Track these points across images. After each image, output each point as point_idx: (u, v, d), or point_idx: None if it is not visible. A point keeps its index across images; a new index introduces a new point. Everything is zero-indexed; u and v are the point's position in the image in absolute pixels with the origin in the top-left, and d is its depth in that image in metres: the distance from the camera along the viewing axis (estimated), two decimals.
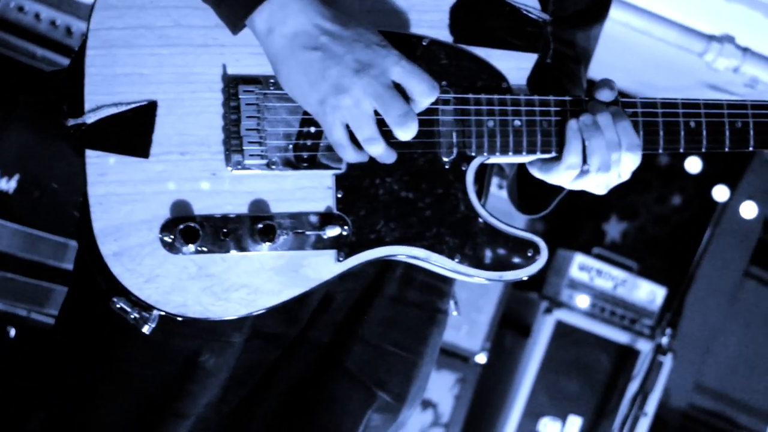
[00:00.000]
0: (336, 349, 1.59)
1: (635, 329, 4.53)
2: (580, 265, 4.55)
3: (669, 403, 5.99)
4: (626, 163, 1.50)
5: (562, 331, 4.40)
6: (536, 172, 1.56)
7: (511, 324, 4.54)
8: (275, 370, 1.60)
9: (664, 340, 4.37)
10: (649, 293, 4.62)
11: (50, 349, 1.63)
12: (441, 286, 1.64)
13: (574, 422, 4.42)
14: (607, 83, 1.51)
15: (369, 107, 1.36)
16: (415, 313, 1.63)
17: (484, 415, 4.40)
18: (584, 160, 1.49)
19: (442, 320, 1.68)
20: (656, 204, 5.98)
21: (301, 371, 1.60)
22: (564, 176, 1.52)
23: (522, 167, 1.67)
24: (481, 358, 4.16)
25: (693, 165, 5.24)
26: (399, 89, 1.38)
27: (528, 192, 1.67)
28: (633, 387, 4.38)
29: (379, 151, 1.39)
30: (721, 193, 5.01)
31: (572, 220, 5.81)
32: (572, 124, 1.48)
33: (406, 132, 1.38)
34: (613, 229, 5.94)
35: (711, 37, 3.60)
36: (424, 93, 1.38)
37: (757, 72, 3.65)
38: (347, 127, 1.37)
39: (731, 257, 6.11)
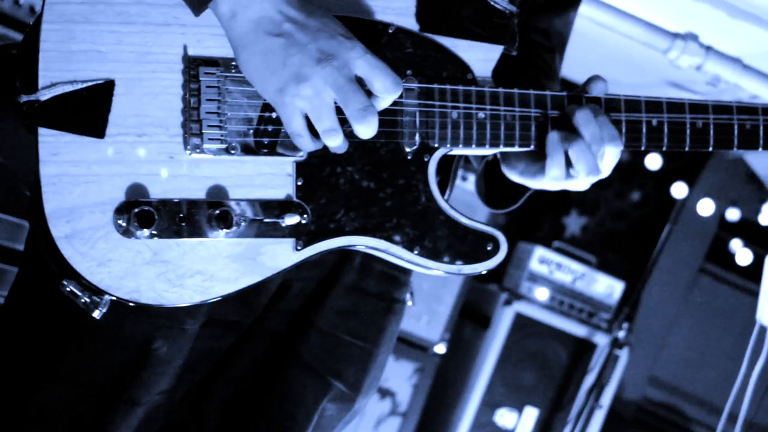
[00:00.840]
0: (292, 337, 1.57)
1: (593, 323, 4.56)
2: (540, 258, 4.57)
3: (623, 395, 6.04)
4: (608, 156, 1.48)
5: (521, 323, 4.41)
6: (516, 178, 1.55)
7: (470, 315, 4.55)
8: (230, 358, 1.57)
9: (621, 334, 4.41)
10: (607, 287, 4.65)
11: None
12: (399, 276, 1.62)
13: (531, 413, 4.44)
14: (596, 80, 1.51)
15: (329, 98, 1.32)
16: (373, 302, 1.61)
17: (442, 404, 4.41)
18: (568, 165, 1.47)
19: (399, 310, 1.67)
20: (616, 199, 6.03)
21: (256, 359, 1.57)
22: (550, 185, 1.52)
23: (491, 162, 1.65)
24: (440, 349, 4.17)
25: (653, 162, 5.28)
26: (362, 84, 1.34)
27: (496, 187, 1.65)
28: (589, 380, 4.41)
29: (338, 142, 1.36)
30: (679, 190, 5.05)
31: (533, 214, 5.84)
32: (552, 137, 1.46)
33: (365, 127, 1.34)
34: (573, 223, 5.98)
35: (675, 35, 3.62)
36: (388, 89, 1.34)
37: (719, 70, 3.68)
38: (306, 117, 1.34)
39: (687, 253, 6.19)
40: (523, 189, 1.62)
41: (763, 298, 3.72)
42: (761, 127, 1.55)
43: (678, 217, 5.00)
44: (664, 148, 1.53)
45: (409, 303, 1.71)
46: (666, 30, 3.62)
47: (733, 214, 5.67)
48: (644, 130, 1.51)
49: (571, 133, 1.46)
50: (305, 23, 1.32)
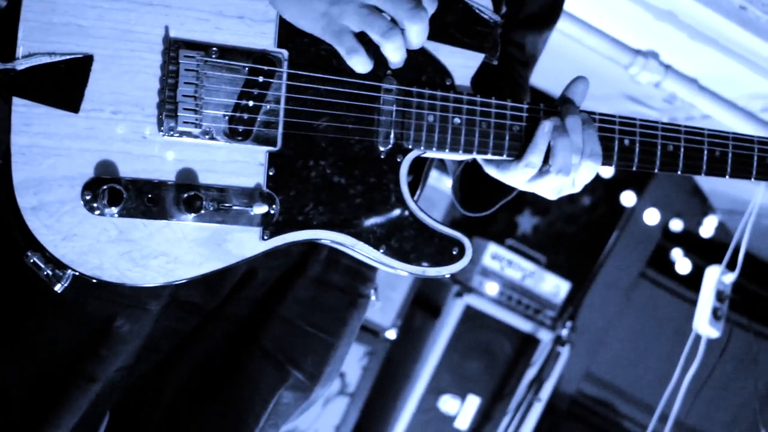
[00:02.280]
0: (254, 324, 1.53)
1: (538, 319, 4.58)
2: (493, 255, 4.59)
3: (560, 388, 6.09)
4: (584, 171, 1.46)
5: (470, 314, 4.42)
6: (492, 170, 1.52)
7: (422, 304, 4.56)
8: (191, 341, 1.54)
9: (564, 332, 4.45)
10: (554, 286, 4.68)
11: None
12: (365, 272, 1.59)
13: (473, 401, 4.45)
14: (580, 83, 1.49)
15: (372, 6, 1.32)
16: (337, 295, 1.58)
17: (389, 388, 4.42)
18: (545, 161, 1.44)
19: (362, 305, 1.64)
20: (568, 203, 6.05)
21: (216, 344, 1.54)
22: (521, 175, 1.47)
23: (468, 166, 1.62)
24: (391, 334, 4.17)
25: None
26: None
27: (474, 191, 1.64)
28: (530, 373, 4.43)
29: (398, 43, 1.33)
30: (628, 198, 5.09)
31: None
32: (545, 125, 1.44)
33: (419, 25, 1.33)
34: (526, 222, 5.99)
35: (637, 52, 3.64)
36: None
37: (675, 89, 3.70)
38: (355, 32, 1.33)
39: (631, 259, 6.24)
40: (498, 195, 1.60)
41: (700, 308, 3.76)
42: (730, 155, 1.54)
43: (625, 224, 5.03)
44: (634, 168, 1.50)
45: (373, 298, 1.68)
46: (629, 46, 3.63)
47: (676, 225, 5.73)
48: (616, 148, 1.49)
49: (561, 127, 1.44)
50: None
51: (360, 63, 1.35)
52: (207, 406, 1.52)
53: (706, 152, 1.52)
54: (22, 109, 1.27)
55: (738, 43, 3.32)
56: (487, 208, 1.65)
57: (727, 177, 1.54)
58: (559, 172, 1.44)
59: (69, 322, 1.42)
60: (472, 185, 1.63)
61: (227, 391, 1.52)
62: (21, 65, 1.27)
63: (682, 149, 1.51)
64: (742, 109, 3.69)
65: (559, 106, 1.48)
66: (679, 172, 1.52)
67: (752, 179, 1.56)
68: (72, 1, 1.29)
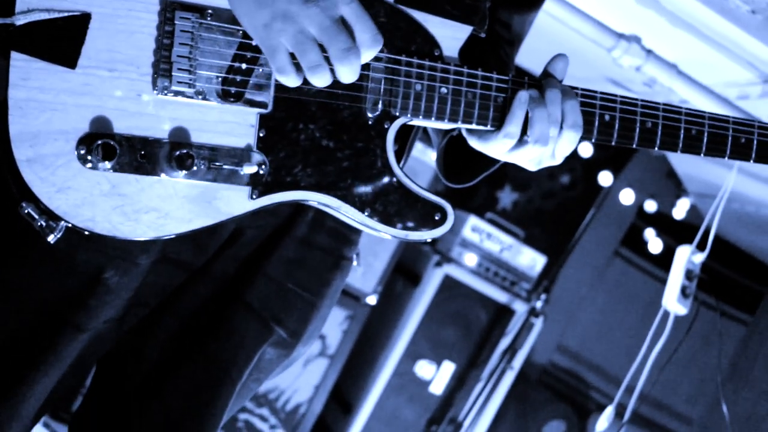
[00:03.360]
0: (239, 281, 1.53)
1: (514, 291, 4.59)
2: (473, 227, 4.58)
3: (533, 358, 6.13)
4: (564, 142, 1.46)
5: (449, 284, 4.43)
6: (474, 142, 1.52)
7: (403, 272, 4.56)
8: (177, 296, 1.53)
9: (538, 305, 4.45)
10: (531, 260, 4.69)
11: None
12: (349, 235, 1.59)
13: (448, 367, 4.47)
14: (560, 60, 1.49)
15: (312, 35, 1.28)
16: (321, 256, 1.58)
17: (367, 351, 4.44)
18: (524, 131, 1.45)
19: (345, 267, 1.64)
20: (547, 180, 6.06)
21: (202, 300, 1.53)
22: (501, 145, 1.48)
23: (453, 139, 1.62)
24: (372, 300, 4.18)
25: (584, 149, 5.31)
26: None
27: (457, 163, 1.64)
28: (504, 342, 4.44)
29: (324, 78, 1.31)
30: (605, 178, 5.10)
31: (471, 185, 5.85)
32: (521, 96, 1.44)
33: (348, 68, 1.31)
34: (506, 197, 6.00)
35: (620, 35, 3.61)
36: (367, 42, 1.31)
37: (656, 73, 3.69)
38: (291, 54, 1.30)
39: (605, 237, 6.26)
40: (481, 168, 1.61)
41: (670, 286, 3.78)
42: (706, 134, 1.55)
43: (601, 203, 5.04)
44: (613, 143, 1.51)
45: (355, 263, 1.68)
46: (613, 30, 3.61)
47: (650, 206, 5.75)
48: (596, 123, 1.50)
49: (539, 99, 1.44)
50: None
51: (286, 82, 1.33)
52: (191, 358, 1.52)
53: (682, 130, 1.53)
54: (20, 63, 1.27)
55: (718, 32, 3.31)
56: (469, 180, 1.65)
57: (701, 155, 1.55)
58: (536, 142, 1.45)
59: (59, 272, 1.41)
60: (456, 157, 1.63)
61: (212, 344, 1.52)
62: (19, 20, 1.26)
63: (660, 126, 1.52)
64: (719, 96, 3.68)
65: (541, 80, 1.48)
66: (656, 149, 1.53)
67: (726, 158, 1.57)
68: None
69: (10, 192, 1.36)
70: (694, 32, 3.39)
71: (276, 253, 1.53)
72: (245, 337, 1.53)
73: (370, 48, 1.31)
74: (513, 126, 1.44)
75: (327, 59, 1.30)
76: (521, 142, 1.46)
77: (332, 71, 1.32)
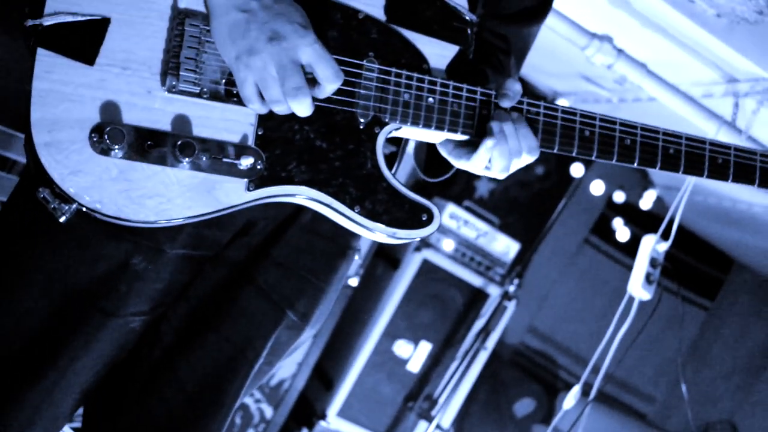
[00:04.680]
0: (251, 267, 1.56)
1: (488, 275, 4.58)
2: (451, 214, 4.58)
3: (505, 339, 6.19)
4: (524, 160, 1.52)
5: (427, 268, 4.42)
6: (446, 155, 1.57)
7: (383, 256, 4.56)
8: (191, 284, 1.57)
9: (511, 289, 4.43)
10: (505, 246, 4.67)
11: None
12: None
13: (425, 347, 4.47)
14: (507, 93, 1.51)
15: (274, 73, 1.35)
16: (327, 244, 1.62)
17: (349, 330, 4.43)
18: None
19: (349, 255, 1.67)
20: (522, 171, 6.05)
21: (215, 283, 1.57)
22: (470, 169, 1.56)
23: (431, 145, 1.67)
24: (354, 282, 4.16)
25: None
26: (308, 73, 1.37)
27: (435, 160, 1.67)
28: (479, 324, 4.44)
29: (282, 111, 1.38)
30: (577, 169, 5.11)
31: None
32: (487, 143, 1.48)
33: (297, 104, 1.37)
34: (483, 186, 6.00)
35: (593, 35, 3.62)
36: (328, 78, 1.37)
37: (626, 71, 3.69)
38: (257, 84, 1.36)
39: (576, 225, 6.31)
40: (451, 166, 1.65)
41: (635, 274, 3.82)
42: (683, 153, 1.56)
43: (572, 193, 5.06)
44: (593, 157, 1.53)
45: (357, 258, 1.71)
46: (586, 29, 3.62)
47: (619, 197, 5.76)
48: (576, 138, 1.52)
49: (501, 139, 1.48)
50: (270, 6, 1.34)
51: (253, 109, 1.40)
52: (204, 338, 1.54)
53: (660, 148, 1.55)
54: (45, 58, 1.33)
55: (685, 34, 3.34)
56: (443, 175, 1.68)
57: (680, 173, 1.56)
58: (501, 171, 1.52)
59: (88, 258, 1.45)
60: (435, 157, 1.67)
61: (224, 325, 1.55)
62: (47, 21, 1.33)
63: (638, 144, 1.54)
64: (685, 94, 3.69)
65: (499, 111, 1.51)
66: (635, 165, 1.54)
67: (705, 177, 1.58)
68: None
69: (30, 184, 1.42)
70: (663, 33, 3.42)
71: (284, 240, 1.57)
72: (261, 322, 1.56)
73: (331, 83, 1.37)
74: (480, 162, 1.51)
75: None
76: (486, 168, 1.53)
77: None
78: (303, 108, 1.38)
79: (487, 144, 1.48)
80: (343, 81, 1.42)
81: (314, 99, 1.40)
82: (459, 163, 1.56)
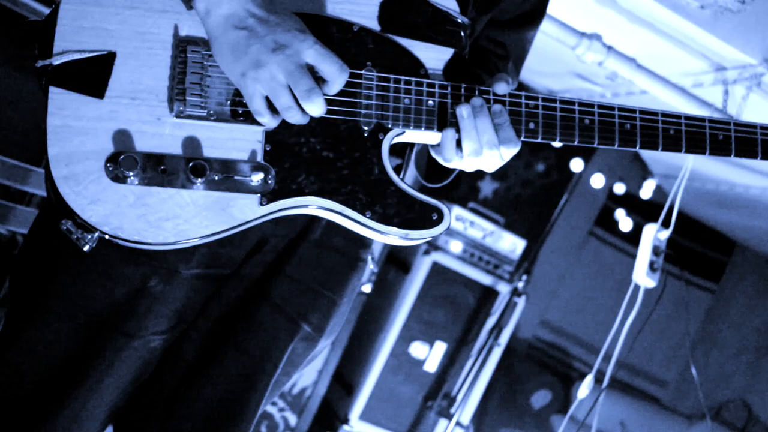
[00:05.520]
0: (264, 283, 1.57)
1: (497, 273, 4.58)
2: (457, 216, 4.56)
3: (518, 334, 6.20)
4: (506, 153, 1.50)
5: (437, 270, 4.42)
6: (435, 155, 1.57)
7: (394, 261, 4.56)
8: (209, 301, 1.57)
9: (520, 285, 4.41)
10: (512, 244, 4.65)
11: (9, 264, 1.58)
12: (363, 238, 1.60)
13: (440, 347, 4.48)
14: (500, 79, 1.51)
15: (283, 80, 1.35)
16: (337, 257, 1.62)
17: (365, 336, 4.44)
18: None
19: (360, 267, 1.67)
20: (524, 169, 6.08)
21: (232, 301, 1.57)
22: (461, 166, 1.55)
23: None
24: (367, 288, 4.07)
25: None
26: (315, 73, 1.38)
27: (435, 166, 1.67)
28: (491, 321, 4.44)
29: (296, 118, 1.39)
30: (577, 165, 5.10)
31: (454, 177, 5.85)
32: (446, 133, 1.49)
33: (311, 105, 1.38)
34: (487, 187, 6.02)
35: (582, 34, 3.62)
36: (334, 74, 1.38)
37: (617, 67, 3.69)
38: (266, 98, 1.37)
39: (579, 219, 6.32)
40: (452, 170, 1.65)
41: (639, 262, 3.82)
42: (684, 132, 1.54)
43: (574, 188, 5.04)
44: (595, 144, 1.52)
45: (371, 266, 1.72)
46: (575, 29, 3.62)
47: (619, 188, 5.76)
48: (577, 127, 1.51)
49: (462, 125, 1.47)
50: (266, 19, 1.35)
51: (264, 123, 1.40)
52: (225, 354, 1.54)
53: (660, 130, 1.53)
54: (56, 96, 1.36)
55: (671, 27, 3.35)
56: (443, 180, 1.68)
57: (683, 152, 1.54)
58: (470, 153, 1.49)
59: (107, 284, 1.46)
60: (434, 163, 1.65)
61: (243, 341, 1.55)
62: (57, 60, 1.36)
63: (638, 127, 1.52)
64: (675, 85, 3.69)
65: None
66: (637, 149, 1.53)
67: (707, 154, 1.56)
68: (99, 9, 1.38)
69: (53, 215, 1.42)
70: (650, 28, 3.43)
71: (296, 256, 1.57)
72: (276, 335, 1.56)
73: (339, 77, 1.38)
74: (447, 151, 1.50)
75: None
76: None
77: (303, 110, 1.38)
78: (317, 108, 1.38)
79: (447, 134, 1.49)
80: (345, 90, 1.43)
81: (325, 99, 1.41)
82: (447, 163, 1.55)
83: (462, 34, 1.49)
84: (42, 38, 1.37)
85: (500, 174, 6.04)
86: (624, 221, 5.86)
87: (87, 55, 1.37)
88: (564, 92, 4.89)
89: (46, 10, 2.75)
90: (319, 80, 1.39)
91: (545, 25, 3.59)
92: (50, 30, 1.37)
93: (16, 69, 2.69)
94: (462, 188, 5.92)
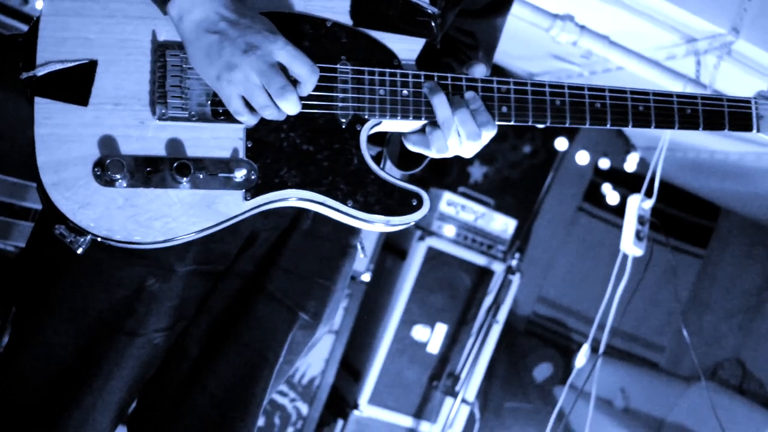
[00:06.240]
0: (260, 276, 1.58)
1: (491, 254, 4.57)
2: (448, 201, 4.55)
3: (517, 311, 6.23)
4: (486, 136, 1.51)
5: (432, 254, 4.41)
6: (411, 146, 1.57)
7: (390, 249, 4.56)
8: (208, 297, 1.58)
9: (514, 263, 4.41)
10: (503, 224, 4.63)
11: (13, 273, 1.57)
12: (351, 225, 1.57)
13: (441, 328, 4.46)
14: (472, 65, 1.52)
15: (256, 80, 1.36)
16: (328, 246, 1.62)
17: (368, 323, 4.43)
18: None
19: (351, 254, 1.68)
20: (511, 152, 6.10)
21: (230, 296, 1.58)
22: (432, 156, 1.55)
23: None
24: (366, 277, 4.14)
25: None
26: (287, 73, 1.38)
27: (406, 154, 1.66)
28: (488, 300, 4.44)
29: (273, 115, 1.40)
30: (561, 143, 5.10)
31: (443, 164, 5.89)
32: (435, 133, 1.49)
33: (286, 103, 1.38)
34: (476, 171, 6.03)
35: (555, 16, 3.61)
36: (306, 75, 1.39)
37: (591, 46, 3.68)
38: (243, 97, 1.37)
39: (568, 195, 6.34)
40: (424, 158, 1.65)
41: (625, 232, 3.83)
42: (652, 108, 1.53)
43: (560, 166, 5.06)
44: (567, 124, 1.52)
45: (362, 256, 1.72)
46: (548, 11, 3.61)
47: (604, 163, 5.74)
48: (548, 108, 1.51)
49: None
50: (238, 21, 1.35)
51: (244, 121, 1.41)
52: (228, 348, 1.55)
53: (630, 107, 1.53)
54: (42, 105, 1.36)
55: (640, 2, 3.33)
56: (416, 167, 1.67)
57: (652, 128, 1.54)
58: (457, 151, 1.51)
59: (107, 287, 1.47)
60: (406, 150, 1.65)
61: (244, 333, 1.56)
62: (40, 71, 1.36)
63: (608, 106, 1.52)
64: (649, 59, 3.68)
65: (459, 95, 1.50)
66: (608, 126, 1.53)
67: (676, 128, 1.55)
68: (79, 19, 1.38)
69: (46, 223, 1.43)
70: (620, 5, 3.41)
71: (287, 247, 1.57)
72: (276, 325, 1.57)
73: (309, 78, 1.39)
74: (442, 153, 1.51)
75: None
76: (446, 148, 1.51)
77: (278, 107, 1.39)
78: (291, 105, 1.39)
79: (434, 134, 1.49)
80: (321, 85, 1.43)
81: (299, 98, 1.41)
82: (424, 152, 1.55)
83: (433, 24, 1.49)
84: (25, 51, 1.38)
85: (489, 158, 6.05)
86: (611, 195, 5.86)
87: (69, 64, 1.37)
88: (543, 74, 4.89)
89: (26, 28, 2.77)
90: (292, 82, 1.39)
91: (519, 10, 3.59)
92: (32, 42, 1.37)
93: (9, 89, 2.70)
94: (452, 174, 5.93)
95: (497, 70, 5.20)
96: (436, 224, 4.52)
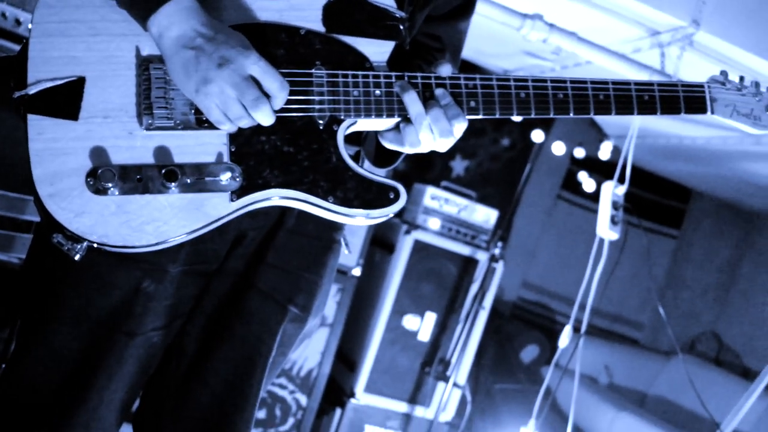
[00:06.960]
0: (249, 274, 1.59)
1: (475, 243, 4.56)
2: (432, 196, 4.55)
3: (503, 297, 6.26)
4: (458, 128, 1.52)
5: (419, 247, 4.40)
6: (387, 144, 1.59)
7: (379, 243, 4.55)
8: (202, 296, 1.60)
9: (497, 251, 4.42)
10: (485, 215, 4.62)
11: (17, 287, 1.59)
12: (334, 222, 1.60)
13: (430, 317, 4.46)
14: (440, 64, 1.54)
15: (231, 93, 1.37)
16: (313, 242, 1.64)
17: (360, 315, 4.44)
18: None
19: (336, 249, 1.69)
20: (491, 145, 6.11)
21: (222, 294, 1.60)
22: (408, 151, 1.57)
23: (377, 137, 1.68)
24: (357, 272, 4.13)
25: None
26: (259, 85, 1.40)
27: (383, 152, 1.68)
28: (474, 288, 4.44)
29: (248, 124, 1.41)
30: (537, 135, 5.10)
31: (426, 159, 5.88)
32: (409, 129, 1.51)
33: (259, 113, 1.40)
34: (458, 165, 6.04)
35: (525, 15, 3.62)
36: (276, 90, 1.40)
37: (560, 42, 3.70)
38: (220, 108, 1.39)
39: (547, 185, 6.36)
40: (399, 154, 1.67)
41: (601, 217, 3.86)
42: (612, 96, 1.55)
43: (538, 157, 5.05)
44: (533, 115, 1.53)
45: (346, 252, 1.73)
46: (518, 11, 3.63)
47: (579, 153, 5.74)
48: (514, 101, 1.53)
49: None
50: (213, 37, 1.37)
51: (225, 129, 1.42)
52: (223, 343, 1.57)
53: (591, 97, 1.54)
54: (35, 122, 1.38)
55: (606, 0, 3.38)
56: (391, 164, 1.68)
57: (612, 114, 1.55)
58: (433, 144, 1.53)
59: (104, 291, 1.49)
60: (381, 148, 1.67)
61: (238, 328, 1.57)
62: (32, 90, 1.38)
63: (570, 96, 1.53)
64: (616, 53, 3.72)
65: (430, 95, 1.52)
66: (571, 115, 1.55)
67: (636, 114, 1.56)
68: (66, 39, 1.40)
69: (44, 233, 1.45)
70: (586, 3, 3.44)
71: (275, 245, 1.59)
72: (267, 319, 1.58)
73: (279, 93, 1.41)
74: (416, 149, 1.53)
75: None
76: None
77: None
78: (265, 116, 1.41)
79: (407, 130, 1.51)
80: (297, 90, 1.45)
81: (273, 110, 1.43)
82: (400, 148, 1.57)
83: (401, 27, 1.51)
84: (16, 71, 1.39)
85: (470, 152, 6.07)
86: (587, 182, 5.88)
87: (59, 82, 1.38)
88: (517, 71, 4.91)
89: (11, 46, 2.78)
90: (266, 95, 1.41)
91: (491, 11, 3.60)
92: (23, 63, 1.39)
93: (3, 108, 2.70)
94: (435, 169, 5.94)
95: (474, 69, 5.21)
96: (421, 218, 4.53)
